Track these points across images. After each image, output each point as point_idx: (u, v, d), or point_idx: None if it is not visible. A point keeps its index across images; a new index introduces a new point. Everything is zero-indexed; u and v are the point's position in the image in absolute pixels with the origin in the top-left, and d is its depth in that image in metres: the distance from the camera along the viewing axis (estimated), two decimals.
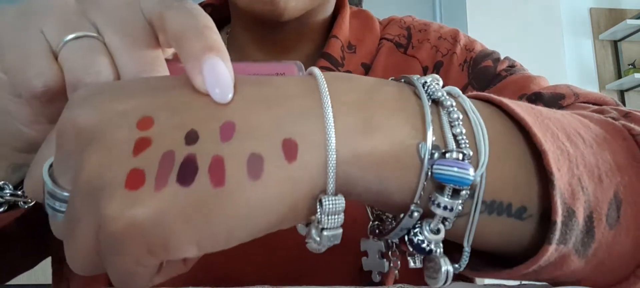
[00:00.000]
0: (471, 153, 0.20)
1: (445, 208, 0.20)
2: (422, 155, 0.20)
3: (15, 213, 0.31)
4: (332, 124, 0.19)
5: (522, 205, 0.22)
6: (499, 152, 0.22)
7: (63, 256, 0.20)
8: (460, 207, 0.21)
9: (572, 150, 0.22)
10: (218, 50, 0.20)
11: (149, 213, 0.17)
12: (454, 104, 0.22)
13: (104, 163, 0.17)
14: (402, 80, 0.24)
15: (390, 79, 0.24)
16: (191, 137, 0.18)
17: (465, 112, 0.22)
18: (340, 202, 0.19)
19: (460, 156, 0.20)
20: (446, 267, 0.21)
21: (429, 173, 0.20)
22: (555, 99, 0.39)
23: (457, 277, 0.40)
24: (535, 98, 0.41)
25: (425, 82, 0.22)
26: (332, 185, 0.19)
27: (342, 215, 0.20)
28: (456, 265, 0.22)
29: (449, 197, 0.20)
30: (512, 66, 0.48)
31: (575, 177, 0.22)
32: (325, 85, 0.20)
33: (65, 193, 0.19)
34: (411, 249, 0.22)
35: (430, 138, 0.20)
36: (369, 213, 0.25)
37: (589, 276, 0.24)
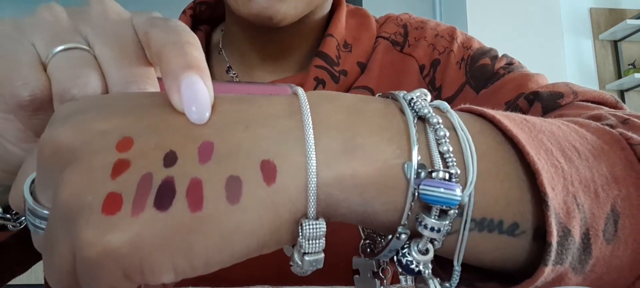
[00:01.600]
0: (459, 171, 0.20)
1: (432, 229, 0.20)
2: (408, 176, 0.19)
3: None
4: (313, 146, 0.19)
5: (514, 221, 0.21)
6: (490, 168, 0.21)
7: None
8: (448, 228, 0.20)
9: (567, 166, 0.22)
10: (198, 68, 0.20)
11: (125, 239, 0.16)
12: (441, 120, 0.21)
13: (82, 185, 0.17)
14: (389, 96, 0.23)
15: (377, 95, 0.24)
16: (170, 159, 0.18)
17: (453, 128, 0.21)
18: (321, 226, 0.19)
19: (447, 176, 0.19)
20: (433, 285, 0.21)
21: (416, 193, 0.19)
22: (553, 98, 0.38)
23: None
24: (534, 97, 0.40)
25: (412, 98, 0.22)
26: (312, 209, 0.18)
27: (323, 240, 0.19)
28: (447, 285, 0.22)
29: (437, 217, 0.20)
30: (510, 64, 0.47)
31: (570, 195, 0.21)
32: (308, 106, 0.20)
33: (45, 211, 0.19)
34: (400, 270, 0.21)
35: (416, 157, 0.19)
36: (361, 232, 0.25)
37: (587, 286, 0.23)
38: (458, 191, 0.19)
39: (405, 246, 0.21)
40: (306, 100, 0.20)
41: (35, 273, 0.56)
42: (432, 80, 0.50)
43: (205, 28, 0.56)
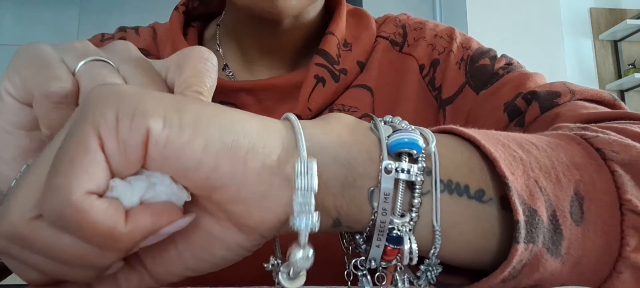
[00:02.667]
0: (420, 133, 0.23)
1: (407, 171, 0.22)
2: (378, 129, 0.23)
3: None
4: (299, 123, 0.22)
5: (480, 188, 0.23)
6: (450, 144, 0.24)
7: None
8: (422, 168, 0.22)
9: (525, 156, 0.23)
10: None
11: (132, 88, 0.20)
12: (401, 120, 0.24)
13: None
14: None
15: None
16: None
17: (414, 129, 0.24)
18: (312, 164, 0.21)
19: (410, 129, 0.23)
20: (409, 245, 0.23)
21: (386, 143, 0.23)
22: (551, 97, 0.39)
23: None
24: (531, 97, 0.40)
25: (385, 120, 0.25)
26: (302, 143, 0.21)
27: (315, 179, 0.21)
28: (432, 251, 0.23)
29: (407, 162, 0.22)
30: (509, 64, 0.48)
31: (532, 179, 0.23)
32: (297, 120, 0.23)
33: None
34: (388, 243, 0.23)
35: (382, 125, 0.24)
36: (343, 247, 0.26)
37: (571, 277, 0.24)
38: (421, 138, 0.23)
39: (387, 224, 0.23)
40: (299, 123, 0.23)
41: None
42: (432, 80, 0.50)
43: (198, 25, 0.56)
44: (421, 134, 0.23)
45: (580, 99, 0.38)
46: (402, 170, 0.22)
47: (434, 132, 0.25)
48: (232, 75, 0.53)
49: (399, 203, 0.22)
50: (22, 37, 2.34)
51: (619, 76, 2.80)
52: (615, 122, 0.31)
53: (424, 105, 0.49)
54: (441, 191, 0.23)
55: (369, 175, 0.22)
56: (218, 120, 0.20)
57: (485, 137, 0.24)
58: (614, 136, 0.26)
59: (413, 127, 0.24)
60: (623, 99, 2.84)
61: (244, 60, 0.53)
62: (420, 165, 0.22)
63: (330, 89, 0.48)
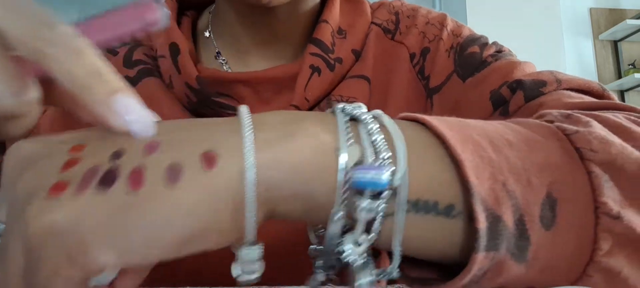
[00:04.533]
0: (389, 154, 0.21)
1: (368, 210, 0.21)
2: (340, 162, 0.21)
3: None
4: (252, 137, 0.20)
5: (450, 203, 0.22)
6: (420, 153, 0.22)
7: None
8: (383, 207, 0.21)
9: (495, 156, 0.22)
10: (121, 90, 0.21)
11: (66, 215, 0.17)
12: (371, 118, 0.22)
13: (33, 180, 0.18)
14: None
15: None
16: (117, 154, 0.19)
17: (383, 125, 0.22)
18: (257, 251, 0.20)
19: (376, 161, 0.21)
20: (361, 280, 0.21)
21: (348, 178, 0.21)
22: (536, 86, 0.38)
23: None
24: (516, 86, 0.39)
25: (344, 107, 0.23)
26: (251, 189, 0.19)
27: (258, 264, 0.21)
28: (388, 270, 0.23)
29: (370, 199, 0.21)
30: (499, 51, 0.46)
31: (499, 183, 0.22)
32: (248, 112, 0.21)
33: (2, 226, 0.19)
34: (336, 260, 0.22)
35: (344, 142, 0.21)
36: (311, 239, 0.25)
37: (537, 280, 0.24)
38: (386, 174, 0.20)
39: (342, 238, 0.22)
40: (247, 111, 0.22)
41: None
42: (422, 69, 0.49)
43: (192, 13, 0.55)
44: (391, 148, 0.21)
45: (567, 88, 0.37)
46: (363, 210, 0.21)
47: (402, 119, 0.24)
48: (225, 63, 0.52)
49: (357, 235, 0.21)
50: None
51: (619, 76, 2.81)
52: (599, 111, 0.30)
53: (415, 95, 0.48)
54: (407, 211, 0.21)
55: (331, 204, 0.21)
56: (169, 230, 0.19)
57: (456, 134, 0.23)
58: (595, 130, 0.25)
59: (377, 129, 0.22)
60: (623, 99, 2.84)
61: (237, 50, 0.52)
62: (383, 202, 0.21)
63: (327, 78, 0.47)
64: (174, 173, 0.19)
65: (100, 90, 0.20)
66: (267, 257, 0.22)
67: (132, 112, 0.20)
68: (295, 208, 0.21)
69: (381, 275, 0.23)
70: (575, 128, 0.25)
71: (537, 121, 0.27)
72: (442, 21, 0.51)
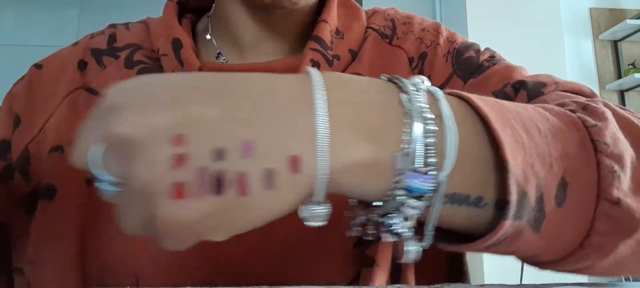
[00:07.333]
0: (436, 161, 0.25)
1: (413, 207, 0.25)
2: (396, 166, 0.25)
3: None
4: (327, 143, 0.24)
5: (479, 195, 0.26)
6: (464, 155, 0.26)
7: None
8: (426, 204, 0.25)
9: (528, 141, 0.26)
10: None
11: (193, 216, 0.22)
12: (433, 117, 0.25)
13: (150, 176, 0.22)
14: (392, 80, 0.28)
15: (382, 76, 0.29)
16: (219, 153, 0.23)
17: (441, 116, 0.26)
18: (324, 210, 0.25)
19: (426, 169, 0.25)
20: (411, 247, 0.26)
21: (399, 179, 0.25)
22: (537, 87, 0.43)
23: (456, 279, 0.44)
24: (519, 86, 0.44)
25: (415, 82, 0.27)
26: (322, 191, 0.24)
27: (323, 219, 0.25)
28: (422, 243, 0.27)
29: (416, 198, 0.25)
30: (492, 57, 0.51)
31: (529, 164, 0.26)
32: (324, 99, 0.24)
33: (112, 179, 0.24)
34: (384, 231, 0.26)
35: (400, 154, 0.25)
36: (350, 202, 0.30)
37: (543, 247, 0.28)
38: (431, 183, 0.25)
39: (392, 214, 0.26)
40: (323, 91, 0.25)
41: None
42: (421, 72, 0.52)
43: (191, 17, 0.57)
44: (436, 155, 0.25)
45: (563, 90, 0.42)
46: (408, 206, 0.25)
47: (449, 95, 0.28)
48: (226, 62, 0.54)
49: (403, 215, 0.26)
50: (22, 37, 2.34)
51: (619, 76, 2.81)
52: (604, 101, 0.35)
53: None
54: (444, 203, 0.26)
55: (382, 195, 0.26)
56: (260, 221, 0.24)
57: (497, 115, 0.26)
58: (610, 125, 0.29)
59: (433, 132, 0.25)
60: (623, 99, 2.84)
61: (237, 49, 0.54)
62: (426, 199, 0.25)
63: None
64: (269, 180, 0.23)
65: None
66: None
67: None
68: (352, 194, 0.26)
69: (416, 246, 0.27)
70: (593, 122, 0.29)
71: (562, 110, 0.31)
72: (437, 28, 0.55)
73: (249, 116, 0.24)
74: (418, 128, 0.25)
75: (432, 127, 0.25)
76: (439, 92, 0.27)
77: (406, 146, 0.25)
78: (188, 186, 0.22)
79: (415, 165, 0.24)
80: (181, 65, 0.48)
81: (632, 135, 0.30)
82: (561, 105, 0.33)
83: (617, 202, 0.27)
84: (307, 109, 0.24)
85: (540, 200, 0.26)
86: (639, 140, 0.30)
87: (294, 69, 0.50)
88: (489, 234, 0.26)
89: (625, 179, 0.28)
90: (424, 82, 0.27)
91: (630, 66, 2.77)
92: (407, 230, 0.26)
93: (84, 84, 0.51)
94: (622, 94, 2.84)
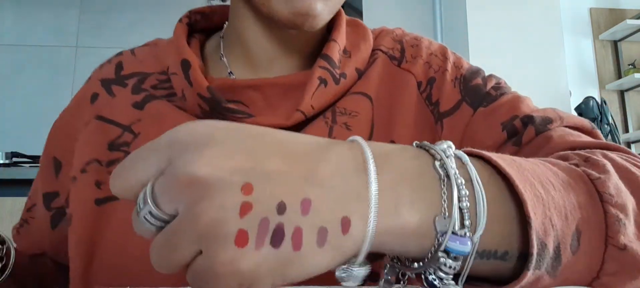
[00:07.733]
0: (470, 223, 0.27)
1: (450, 267, 0.27)
2: (437, 229, 0.26)
3: None
4: (375, 206, 0.25)
5: (506, 250, 0.28)
6: (493, 213, 0.28)
7: None
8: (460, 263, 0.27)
9: (545, 196, 0.29)
10: None
11: (249, 266, 0.23)
12: (464, 182, 0.27)
13: (218, 220, 0.22)
14: (426, 147, 0.30)
15: (413, 143, 0.30)
16: (281, 208, 0.23)
17: (470, 180, 0.28)
18: (363, 271, 0.26)
19: (463, 231, 0.26)
20: None
21: (440, 242, 0.26)
22: (544, 123, 0.46)
23: None
24: (528, 121, 0.47)
25: (443, 148, 0.28)
26: (365, 252, 0.25)
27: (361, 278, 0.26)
28: None
29: (453, 259, 0.27)
30: (498, 83, 0.54)
31: (547, 218, 0.28)
32: (374, 167, 0.26)
33: (162, 215, 0.24)
34: (426, 285, 0.28)
35: (438, 222, 0.27)
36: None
37: (556, 286, 0.30)
38: (469, 245, 0.26)
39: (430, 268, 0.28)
40: (373, 162, 0.26)
41: None
42: (429, 96, 0.55)
43: (200, 37, 0.60)
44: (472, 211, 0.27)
45: (566, 126, 0.46)
46: (446, 265, 0.27)
47: (470, 156, 0.29)
48: (235, 78, 0.56)
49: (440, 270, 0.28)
50: (22, 37, 2.34)
51: (619, 76, 2.81)
52: (602, 151, 0.38)
53: (422, 118, 0.53)
54: (474, 258, 0.27)
55: (420, 259, 0.28)
56: (307, 275, 0.25)
57: (516, 172, 0.29)
58: (612, 178, 0.32)
59: (466, 196, 0.27)
60: (623, 99, 2.84)
61: (249, 67, 0.56)
62: (461, 260, 0.27)
63: (332, 90, 0.52)
64: (322, 237, 0.24)
65: None
66: None
67: None
68: (392, 254, 0.29)
69: None
70: (597, 174, 0.32)
71: (568, 164, 0.34)
72: (444, 53, 0.57)
73: (308, 175, 0.25)
74: (455, 193, 0.27)
75: (464, 191, 0.27)
76: (465, 157, 0.29)
77: (445, 211, 0.27)
78: (250, 234, 0.23)
79: (455, 229, 0.26)
80: (190, 84, 0.51)
81: (630, 183, 0.33)
82: (564, 158, 0.36)
83: (624, 248, 0.30)
84: (359, 174, 0.26)
85: (557, 249, 0.28)
86: (638, 188, 0.33)
87: (301, 85, 0.52)
88: (512, 283, 0.28)
89: (629, 226, 0.31)
90: (451, 148, 0.29)
91: (630, 66, 2.78)
92: (450, 281, 0.28)
93: (95, 113, 0.55)
94: (622, 94, 2.84)
